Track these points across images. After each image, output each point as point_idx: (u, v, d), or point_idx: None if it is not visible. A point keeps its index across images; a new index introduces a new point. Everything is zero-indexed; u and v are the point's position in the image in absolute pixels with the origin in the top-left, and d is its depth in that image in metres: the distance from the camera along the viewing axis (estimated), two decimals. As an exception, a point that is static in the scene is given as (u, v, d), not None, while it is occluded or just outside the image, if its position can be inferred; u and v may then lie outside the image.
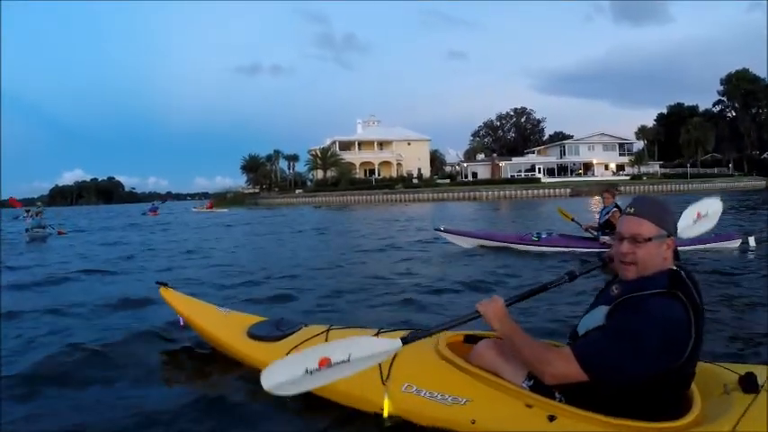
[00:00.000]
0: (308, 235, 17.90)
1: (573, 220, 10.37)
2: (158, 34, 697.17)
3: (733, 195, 39.19)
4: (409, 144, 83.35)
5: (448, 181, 76.02)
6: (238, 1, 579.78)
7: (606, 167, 79.03)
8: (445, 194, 60.14)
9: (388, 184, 68.49)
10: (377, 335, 3.16)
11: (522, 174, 75.79)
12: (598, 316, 2.38)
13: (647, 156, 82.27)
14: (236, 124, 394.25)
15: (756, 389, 2.37)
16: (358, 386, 2.92)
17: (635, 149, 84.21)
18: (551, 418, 2.39)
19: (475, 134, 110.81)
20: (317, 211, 41.09)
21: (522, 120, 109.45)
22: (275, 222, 26.52)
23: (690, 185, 60.38)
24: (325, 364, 2.52)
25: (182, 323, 4.21)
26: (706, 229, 3.63)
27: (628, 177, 70.53)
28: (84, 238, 20.38)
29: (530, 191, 58.78)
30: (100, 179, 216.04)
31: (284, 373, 2.49)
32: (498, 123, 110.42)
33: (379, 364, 2.80)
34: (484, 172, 77.28)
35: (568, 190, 57.99)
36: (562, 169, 78.66)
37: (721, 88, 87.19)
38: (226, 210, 48.86)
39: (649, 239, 2.31)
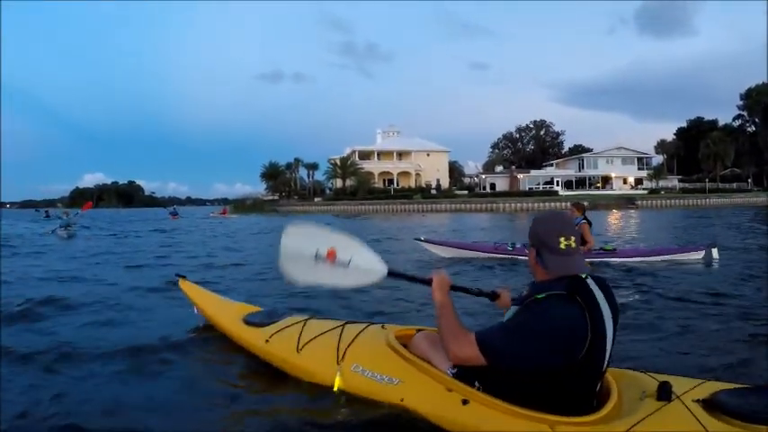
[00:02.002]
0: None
1: None
2: (182, 41, 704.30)
3: (744, 211, 38.94)
4: (428, 155, 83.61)
5: (466, 192, 75.99)
6: (262, 8, 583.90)
7: (624, 181, 78.62)
8: (463, 206, 60.27)
9: (407, 195, 68.74)
10: (344, 324, 3.69)
11: (541, 186, 75.76)
12: (510, 314, 2.65)
13: (666, 170, 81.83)
14: (257, 132, 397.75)
15: (668, 397, 2.57)
16: (317, 364, 3.43)
17: (654, 163, 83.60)
18: (465, 402, 2.70)
19: (494, 146, 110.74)
20: (336, 219, 41.66)
21: (542, 132, 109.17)
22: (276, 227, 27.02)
23: (708, 200, 60.08)
24: (332, 257, 3.03)
25: (195, 311, 4.90)
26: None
27: (645, 191, 70.33)
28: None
29: (547, 204, 58.59)
30: (120, 183, 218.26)
31: (301, 241, 3.10)
32: (518, 136, 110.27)
33: (337, 346, 3.37)
34: (502, 184, 77.36)
35: (586, 203, 57.61)
36: (580, 182, 78.43)
37: (741, 102, 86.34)
38: (235, 216, 50.61)
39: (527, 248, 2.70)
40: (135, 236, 22.08)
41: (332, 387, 3.21)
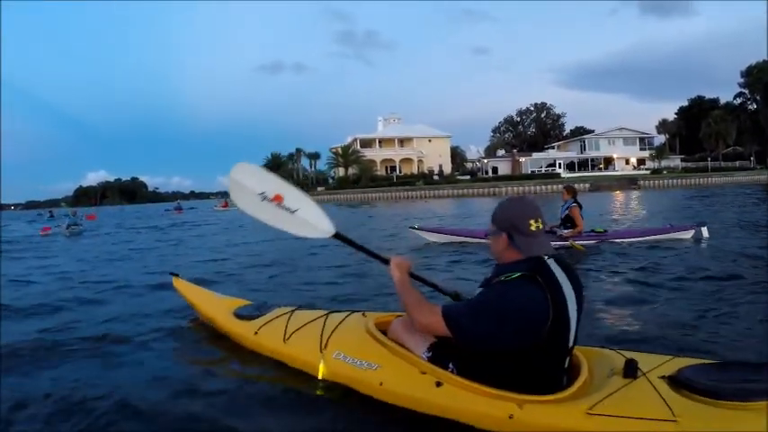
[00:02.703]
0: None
1: None
2: (181, 35, 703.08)
3: (746, 190, 38.70)
4: (430, 141, 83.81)
5: (468, 177, 75.83)
6: (260, 1, 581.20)
7: (627, 162, 78.49)
8: (465, 191, 60.28)
9: (409, 181, 68.79)
10: (328, 314, 3.86)
11: (543, 169, 75.64)
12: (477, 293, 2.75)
13: (668, 150, 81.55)
14: (259, 123, 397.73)
15: (635, 374, 2.66)
16: (302, 352, 3.58)
17: (656, 143, 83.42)
18: (438, 384, 2.82)
19: (495, 130, 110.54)
20: (338, 208, 41.79)
21: (543, 115, 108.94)
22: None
23: (710, 179, 59.83)
24: (278, 200, 3.27)
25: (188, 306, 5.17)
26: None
27: (648, 172, 70.05)
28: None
29: (549, 186, 58.17)
30: (123, 179, 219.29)
31: (249, 180, 3.34)
32: (518, 119, 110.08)
33: (320, 335, 3.53)
34: (504, 168, 77.63)
35: (587, 185, 57.32)
36: (583, 164, 78.36)
37: (742, 80, 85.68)
38: (236, 208, 51.11)
39: (490, 235, 2.77)
40: (141, 233, 22.34)
41: (317, 374, 3.36)
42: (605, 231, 10.44)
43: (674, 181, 60.10)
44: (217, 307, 4.75)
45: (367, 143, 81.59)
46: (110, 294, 7.19)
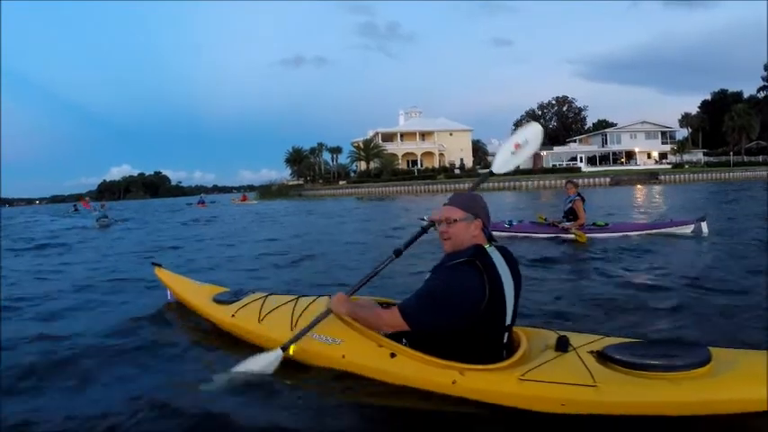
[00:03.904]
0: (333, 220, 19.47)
1: (545, 219, 11.31)
2: (203, 30, 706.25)
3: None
4: (451, 134, 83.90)
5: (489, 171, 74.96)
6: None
7: (649, 156, 78.05)
8: (485, 185, 59.06)
9: (430, 175, 68.78)
10: (298, 298, 4.18)
11: (564, 163, 75.32)
12: (425, 279, 3.12)
13: (691, 144, 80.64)
14: (281, 117, 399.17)
15: (565, 349, 3.01)
16: (275, 332, 3.86)
17: (678, 137, 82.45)
18: (393, 355, 3.16)
19: (516, 124, 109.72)
20: (360, 202, 42.11)
21: (564, 108, 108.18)
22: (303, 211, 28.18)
23: (732, 174, 58.93)
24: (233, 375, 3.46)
25: (168, 295, 5.57)
26: (527, 156, 3.97)
27: (669, 166, 69.34)
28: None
29: None
30: (147, 174, 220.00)
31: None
32: (540, 112, 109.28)
33: (291, 315, 3.85)
34: (525, 162, 76.72)
35: (608, 179, 57.30)
36: (604, 158, 78.07)
37: (765, 74, 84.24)
38: (255, 202, 52.91)
39: (456, 221, 3.02)
40: (169, 227, 23.09)
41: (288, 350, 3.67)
42: (606, 225, 10.69)
43: (695, 175, 59.25)
44: (197, 294, 5.09)
45: (388, 137, 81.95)
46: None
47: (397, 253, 3.68)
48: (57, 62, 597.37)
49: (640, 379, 2.73)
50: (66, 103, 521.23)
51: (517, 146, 3.91)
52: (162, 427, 2.97)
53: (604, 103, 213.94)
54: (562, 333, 3.22)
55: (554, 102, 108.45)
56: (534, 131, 3.96)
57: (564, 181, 11.80)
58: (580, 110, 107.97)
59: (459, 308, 2.85)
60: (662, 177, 57.82)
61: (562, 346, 3.03)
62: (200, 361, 4.11)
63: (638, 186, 46.77)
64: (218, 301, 4.68)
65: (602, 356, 2.91)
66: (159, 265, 5.81)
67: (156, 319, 5.34)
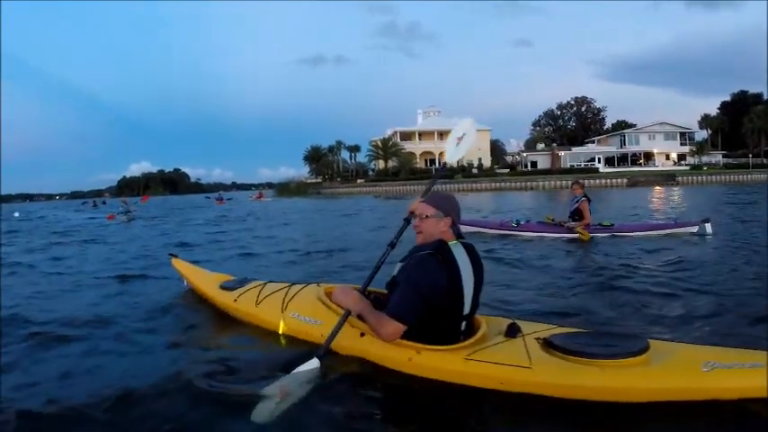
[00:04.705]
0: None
1: (552, 220, 11.50)
2: (222, 28, 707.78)
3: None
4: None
5: (507, 171, 75.35)
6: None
7: (667, 157, 77.54)
8: (502, 184, 60.02)
9: (448, 174, 68.30)
10: (291, 285, 4.57)
11: (582, 164, 75.16)
12: (398, 267, 3.39)
13: (710, 145, 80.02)
14: (300, 115, 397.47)
15: (514, 335, 3.28)
16: (268, 314, 4.32)
17: (697, 138, 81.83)
18: (362, 335, 3.53)
19: (535, 124, 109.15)
20: (377, 201, 41.91)
21: (583, 108, 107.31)
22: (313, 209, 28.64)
23: (750, 176, 58.29)
24: (284, 395, 3.21)
25: (185, 283, 6.09)
26: (469, 146, 4.59)
27: (687, 167, 68.78)
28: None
29: (586, 181, 55.52)
30: (166, 170, 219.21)
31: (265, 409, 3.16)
32: (558, 113, 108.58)
33: (283, 300, 4.27)
34: (543, 162, 77.06)
35: (625, 180, 57.14)
36: (622, 159, 77.72)
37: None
38: (269, 199, 54.82)
39: (428, 217, 3.35)
40: (192, 222, 23.76)
41: (278, 330, 4.17)
42: (612, 225, 10.83)
43: (713, 177, 58.77)
44: (207, 281, 5.62)
45: (406, 136, 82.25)
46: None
47: (392, 245, 3.96)
48: (80, 59, 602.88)
49: (573, 364, 2.96)
50: (90, 101, 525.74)
51: (459, 139, 4.63)
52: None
53: (624, 103, 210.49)
54: (520, 321, 3.51)
55: (573, 102, 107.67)
56: (468, 125, 4.71)
57: (570, 182, 12.08)
58: (599, 110, 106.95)
59: (426, 295, 3.16)
60: (679, 179, 57.53)
61: (512, 332, 3.31)
62: (205, 340, 4.57)
63: (657, 188, 46.44)
64: (224, 287, 5.16)
65: (546, 343, 3.17)
66: (176, 256, 6.49)
67: (171, 304, 5.81)
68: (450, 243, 3.28)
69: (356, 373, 3.39)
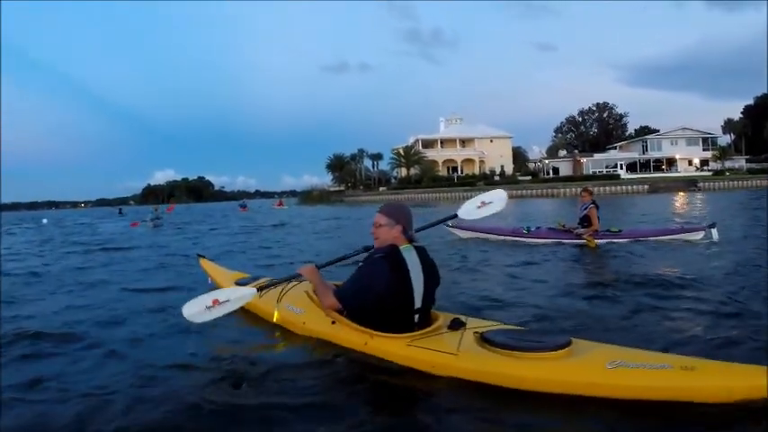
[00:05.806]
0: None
1: (563, 226, 11.61)
2: (247, 37, 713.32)
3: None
4: (491, 141, 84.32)
5: (529, 178, 75.16)
6: (326, 0, 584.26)
7: (690, 163, 76.89)
8: (524, 191, 59.57)
9: (470, 182, 69.01)
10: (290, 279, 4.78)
11: (604, 170, 75.09)
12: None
13: (733, 150, 79.37)
14: (323, 123, 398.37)
15: (456, 328, 3.68)
16: (267, 305, 4.77)
17: (720, 143, 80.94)
18: (333, 323, 4.06)
19: (557, 130, 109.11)
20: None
21: (605, 114, 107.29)
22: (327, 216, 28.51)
23: None
24: (216, 303, 4.23)
25: (209, 280, 6.64)
26: (489, 213, 4.63)
27: (710, 173, 68.22)
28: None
29: (608, 187, 56.63)
30: (190, 178, 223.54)
31: (194, 306, 4.25)
32: (580, 119, 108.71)
33: (280, 292, 4.65)
34: (565, 168, 77.18)
35: (646, 186, 56.84)
36: (645, 165, 77.55)
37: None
38: (286, 207, 56.13)
39: (381, 225, 3.80)
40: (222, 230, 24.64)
41: (272, 319, 4.62)
42: (620, 231, 10.97)
43: (736, 182, 58.24)
44: (226, 278, 6.27)
45: (429, 144, 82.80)
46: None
47: (366, 249, 4.31)
48: (108, 68, 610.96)
49: (496, 354, 3.29)
50: (116, 109, 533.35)
51: (483, 203, 4.67)
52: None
53: (646, 109, 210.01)
54: (468, 318, 3.93)
55: (594, 108, 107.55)
56: (500, 196, 4.70)
57: (580, 189, 12.34)
58: (621, 116, 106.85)
59: (370, 290, 3.67)
60: (701, 185, 56.89)
61: (455, 325, 3.72)
62: (213, 328, 4.89)
63: (680, 194, 45.83)
64: (239, 283, 5.60)
65: (481, 337, 3.51)
66: (203, 257, 7.38)
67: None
68: (401, 247, 3.72)
69: (326, 354, 3.96)
